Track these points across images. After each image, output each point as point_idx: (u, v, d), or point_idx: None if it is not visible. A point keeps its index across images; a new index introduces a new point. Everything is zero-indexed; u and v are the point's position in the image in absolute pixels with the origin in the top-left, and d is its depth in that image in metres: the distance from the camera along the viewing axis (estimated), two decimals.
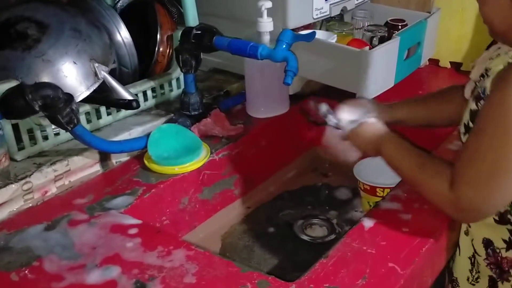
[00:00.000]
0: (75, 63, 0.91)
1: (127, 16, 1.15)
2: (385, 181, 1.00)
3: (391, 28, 1.19)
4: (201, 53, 1.01)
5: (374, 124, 0.81)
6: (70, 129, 0.83)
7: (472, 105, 0.70)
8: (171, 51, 1.11)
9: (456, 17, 1.28)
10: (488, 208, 0.68)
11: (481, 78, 0.71)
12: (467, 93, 0.76)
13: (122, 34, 1.05)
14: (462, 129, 0.73)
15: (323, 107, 0.86)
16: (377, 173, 1.05)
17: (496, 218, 0.73)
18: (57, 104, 0.80)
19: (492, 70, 0.69)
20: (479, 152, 0.64)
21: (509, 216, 0.71)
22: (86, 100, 0.94)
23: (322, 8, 1.14)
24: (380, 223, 0.78)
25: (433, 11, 1.24)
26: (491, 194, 0.65)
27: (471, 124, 0.70)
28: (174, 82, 1.11)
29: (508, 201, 0.70)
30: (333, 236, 0.99)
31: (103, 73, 0.94)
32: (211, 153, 0.98)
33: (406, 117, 0.90)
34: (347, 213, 1.05)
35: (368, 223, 0.78)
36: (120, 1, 1.24)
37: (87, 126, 0.97)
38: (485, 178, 0.64)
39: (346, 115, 0.84)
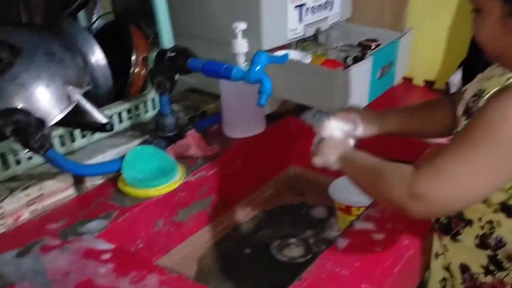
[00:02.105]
0: (48, 86, 0.90)
1: (102, 37, 1.15)
2: (360, 200, 1.01)
3: (365, 48, 1.21)
4: (176, 75, 1.01)
5: (335, 141, 0.81)
6: (42, 153, 0.82)
7: (464, 121, 0.71)
8: (146, 72, 1.11)
9: (428, 37, 1.31)
10: (443, 200, 0.64)
11: (475, 97, 0.72)
12: (459, 111, 0.77)
13: (97, 56, 1.05)
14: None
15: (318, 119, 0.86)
16: (352, 192, 1.06)
17: (477, 241, 0.73)
18: (29, 129, 0.79)
19: (487, 90, 0.69)
20: (457, 150, 0.64)
21: (489, 240, 0.72)
22: (59, 123, 0.93)
23: (296, 29, 1.16)
24: (354, 243, 0.79)
25: (406, 31, 1.27)
26: (452, 187, 0.63)
27: None
28: (149, 103, 1.11)
29: (463, 204, 0.68)
30: (309, 256, 0.99)
31: (77, 96, 0.93)
32: (187, 174, 0.98)
33: (397, 127, 0.90)
34: (324, 232, 1.06)
35: (342, 243, 0.79)
36: (96, 23, 1.25)
37: (61, 149, 0.97)
38: (454, 169, 0.63)
39: (337, 129, 0.84)
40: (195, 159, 1.03)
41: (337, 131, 0.83)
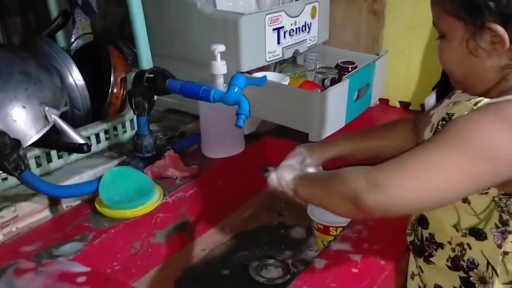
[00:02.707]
0: (24, 107, 0.90)
1: (81, 58, 1.15)
2: (338, 220, 1.01)
3: (342, 70, 1.23)
4: (155, 96, 1.02)
5: (282, 176, 0.80)
6: (17, 175, 0.82)
7: (426, 134, 0.72)
8: (124, 92, 1.11)
9: (403, 59, 1.34)
10: (399, 194, 0.61)
11: (444, 121, 0.72)
12: (427, 134, 0.78)
13: (74, 77, 1.05)
14: None
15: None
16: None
17: (448, 264, 0.74)
18: (4, 150, 0.78)
19: (456, 115, 0.70)
20: (424, 148, 0.63)
21: (461, 262, 0.72)
22: (36, 144, 0.92)
23: (275, 51, 1.17)
24: (331, 264, 0.79)
25: (381, 54, 1.30)
26: (410, 180, 0.61)
27: None
28: (127, 124, 1.11)
29: (421, 205, 0.65)
30: (288, 277, 0.99)
31: (54, 117, 0.92)
32: (164, 195, 0.97)
33: (348, 150, 0.89)
34: (302, 252, 1.06)
35: (319, 264, 0.79)
36: (74, 44, 1.25)
37: (37, 170, 0.95)
38: (416, 165, 0.62)
39: (287, 172, 0.81)
40: (173, 180, 1.02)
41: (287, 174, 0.80)
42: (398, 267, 0.81)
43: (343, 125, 1.17)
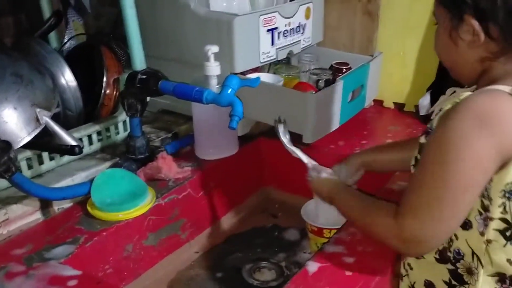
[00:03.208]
0: (15, 108, 0.89)
1: (74, 59, 1.14)
2: (332, 222, 1.01)
3: (336, 71, 1.23)
4: (147, 97, 1.01)
5: (326, 180, 0.87)
6: (7, 177, 0.81)
7: (421, 139, 0.72)
8: (117, 94, 1.10)
9: (398, 60, 1.34)
10: (432, 238, 0.68)
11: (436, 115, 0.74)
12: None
13: (67, 78, 1.04)
14: (412, 162, 0.75)
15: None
16: (324, 214, 1.06)
17: (437, 256, 0.74)
18: None
19: (443, 109, 0.71)
20: (422, 182, 0.66)
21: (448, 253, 0.72)
22: (27, 146, 0.91)
23: (269, 52, 1.17)
24: (324, 267, 0.78)
25: (376, 55, 1.29)
26: (433, 223, 0.66)
27: (419, 157, 0.72)
28: (120, 125, 1.10)
29: (451, 232, 0.70)
30: (281, 280, 0.98)
31: (45, 118, 0.91)
32: (157, 197, 0.97)
33: (376, 165, 0.95)
34: (296, 255, 1.05)
35: (312, 267, 0.78)
36: (67, 44, 1.24)
37: (28, 172, 0.95)
38: (426, 207, 0.66)
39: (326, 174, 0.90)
40: (166, 181, 1.02)
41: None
42: (392, 269, 0.81)
43: (338, 126, 1.17)
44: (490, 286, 0.70)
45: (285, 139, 0.93)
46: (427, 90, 1.28)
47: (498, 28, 0.65)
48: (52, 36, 1.23)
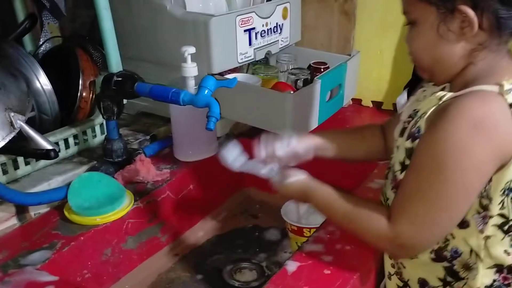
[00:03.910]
0: None
1: (49, 62, 1.13)
2: (311, 221, 1.01)
3: (314, 70, 1.23)
4: (124, 99, 1.00)
5: (298, 178, 0.81)
6: None
7: (407, 144, 0.72)
8: (94, 96, 1.09)
9: (375, 59, 1.35)
10: (427, 243, 0.70)
11: (410, 118, 0.74)
12: (397, 133, 0.78)
13: (41, 81, 1.02)
14: (398, 167, 0.75)
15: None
16: (304, 213, 1.07)
17: (433, 256, 0.74)
18: None
19: (421, 110, 0.71)
20: (418, 190, 0.67)
21: (445, 253, 0.73)
22: (1, 151, 0.89)
23: (246, 53, 1.17)
24: (303, 266, 0.78)
25: (353, 54, 1.30)
26: (430, 230, 0.67)
27: (407, 161, 0.72)
28: (97, 128, 1.09)
29: (444, 235, 0.72)
30: (262, 280, 0.98)
31: (20, 123, 0.90)
32: (135, 200, 0.96)
33: (323, 146, 0.90)
34: (277, 255, 1.05)
35: (291, 267, 0.79)
36: (42, 47, 1.22)
37: (3, 178, 0.93)
38: (424, 214, 0.66)
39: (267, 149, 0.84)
40: (144, 184, 1.01)
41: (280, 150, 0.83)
42: (371, 267, 0.82)
43: (316, 125, 1.17)
44: (489, 278, 0.71)
45: (237, 162, 0.84)
46: (404, 88, 1.29)
47: (491, 16, 0.64)
48: (27, 39, 1.21)
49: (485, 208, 0.68)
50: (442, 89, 0.73)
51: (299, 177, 0.80)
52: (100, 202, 0.92)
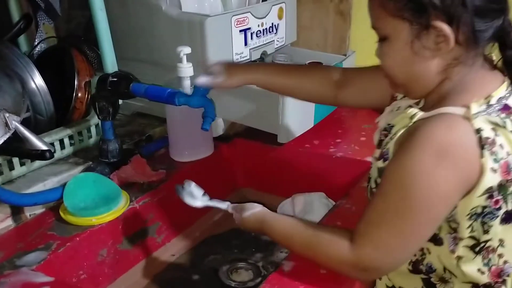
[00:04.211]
0: None
1: (44, 62, 1.13)
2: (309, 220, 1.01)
3: None
4: (119, 100, 1.00)
5: (253, 211, 0.80)
6: None
7: (379, 163, 0.71)
8: (89, 97, 1.09)
9: (370, 59, 1.34)
10: (391, 266, 0.71)
11: (385, 131, 0.73)
12: (376, 139, 0.78)
13: (37, 82, 1.02)
14: (373, 185, 0.74)
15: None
16: (299, 213, 1.07)
17: (410, 268, 0.74)
18: None
19: (394, 128, 0.70)
20: (384, 215, 0.66)
21: (421, 266, 0.73)
22: None
23: (242, 53, 1.17)
24: (299, 266, 0.79)
25: (349, 54, 1.31)
26: (394, 255, 0.67)
27: (379, 181, 0.72)
28: (93, 129, 1.09)
29: (408, 259, 0.72)
30: (259, 280, 0.98)
31: (15, 123, 0.89)
32: (131, 201, 0.96)
33: (263, 80, 0.89)
34: (273, 254, 1.05)
35: (287, 266, 0.79)
36: (38, 48, 1.22)
37: None
38: (388, 239, 0.66)
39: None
40: (140, 185, 1.01)
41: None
42: None
43: (312, 125, 1.17)
44: None
45: (197, 201, 0.86)
46: None
47: (467, 30, 0.62)
48: (22, 39, 1.21)
49: (454, 230, 0.68)
50: (417, 103, 0.71)
51: (253, 211, 0.81)
52: (95, 202, 0.92)
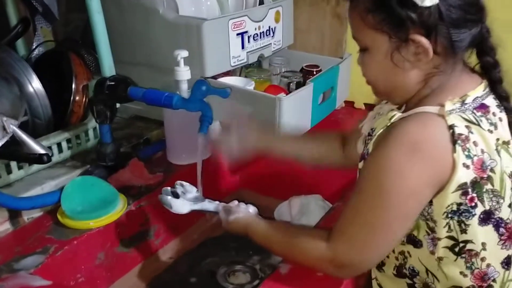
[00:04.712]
0: None
1: (42, 66, 1.13)
2: (304, 223, 1.02)
3: (306, 73, 1.24)
4: (117, 103, 1.00)
5: (237, 215, 0.83)
6: None
7: (360, 165, 0.73)
8: (87, 100, 1.09)
9: None
10: (365, 263, 0.71)
11: (369, 136, 0.74)
12: (359, 146, 0.79)
13: (34, 85, 1.02)
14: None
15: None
16: (296, 215, 1.07)
17: (394, 272, 0.75)
18: None
19: (376, 131, 0.71)
20: (357, 212, 0.68)
21: (404, 270, 0.74)
22: None
23: (239, 56, 1.17)
24: (296, 268, 0.79)
25: (345, 57, 1.31)
26: (367, 251, 0.68)
27: None
28: (91, 132, 1.09)
29: (383, 256, 0.74)
30: (256, 283, 0.99)
31: (12, 127, 0.90)
32: (129, 204, 0.96)
33: (276, 151, 0.94)
34: (270, 257, 1.05)
35: (284, 269, 0.79)
36: (35, 51, 1.23)
37: None
38: (361, 236, 0.67)
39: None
40: (138, 188, 1.01)
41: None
42: None
43: (309, 128, 1.18)
44: None
45: (184, 207, 0.86)
46: None
47: (445, 41, 0.64)
48: (20, 43, 1.21)
49: (432, 230, 0.68)
50: (399, 107, 0.73)
51: (237, 215, 0.83)
52: (93, 206, 0.92)
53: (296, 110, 1.10)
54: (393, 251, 0.74)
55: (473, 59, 0.71)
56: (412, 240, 0.70)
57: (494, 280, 0.70)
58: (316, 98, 1.16)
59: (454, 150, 0.62)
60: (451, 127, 0.63)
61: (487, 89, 0.69)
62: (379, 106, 0.79)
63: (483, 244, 0.68)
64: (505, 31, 0.69)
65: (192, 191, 0.88)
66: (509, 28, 0.77)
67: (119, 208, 0.93)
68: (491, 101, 0.69)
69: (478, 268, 0.69)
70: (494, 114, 0.68)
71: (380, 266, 0.78)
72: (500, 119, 0.69)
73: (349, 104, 1.42)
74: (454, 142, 0.63)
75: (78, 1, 1.06)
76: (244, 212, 0.84)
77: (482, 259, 0.69)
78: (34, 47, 1.23)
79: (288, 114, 1.09)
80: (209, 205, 0.87)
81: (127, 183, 1.00)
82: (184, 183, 0.89)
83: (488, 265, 0.69)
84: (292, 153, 0.94)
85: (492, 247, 0.68)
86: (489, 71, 0.70)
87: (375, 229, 0.66)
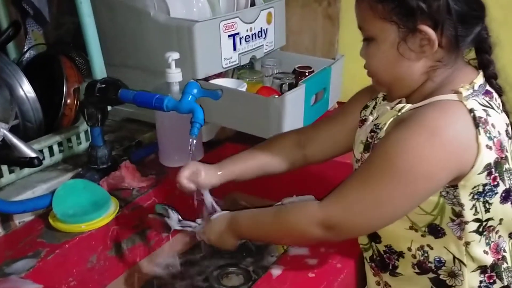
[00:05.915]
0: None
1: (33, 69, 1.12)
2: None
3: (299, 75, 1.24)
4: (108, 106, 1.00)
5: (221, 212, 0.84)
6: None
7: (356, 166, 0.74)
8: (78, 103, 1.09)
9: (360, 62, 1.35)
10: (353, 230, 0.71)
11: (372, 133, 0.74)
12: (359, 147, 0.79)
13: (25, 89, 1.02)
14: (357, 157, 0.78)
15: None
16: None
17: (416, 270, 0.74)
18: None
19: (381, 123, 0.73)
20: (364, 181, 0.68)
21: (429, 264, 0.73)
22: None
23: (231, 58, 1.17)
24: (288, 270, 0.79)
25: (338, 58, 1.31)
26: (361, 219, 0.69)
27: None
28: (82, 135, 1.09)
29: (374, 229, 0.74)
30: (249, 285, 0.99)
31: (3, 131, 0.89)
32: (121, 207, 0.96)
33: (236, 174, 0.92)
34: (263, 259, 1.06)
35: (276, 271, 0.79)
36: (26, 54, 1.22)
37: None
38: (362, 203, 0.67)
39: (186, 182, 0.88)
40: (130, 190, 1.01)
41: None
42: (355, 269, 0.82)
43: None
44: (476, 280, 0.72)
45: (176, 225, 0.89)
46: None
47: (450, 35, 0.66)
48: (11, 46, 1.21)
49: (458, 215, 0.69)
50: (398, 103, 0.73)
51: (221, 212, 0.84)
52: (85, 209, 0.92)
53: (288, 112, 1.10)
54: (409, 248, 0.74)
55: (469, 56, 0.74)
56: (434, 230, 0.70)
57: (504, 250, 0.73)
58: (309, 99, 1.16)
59: (478, 133, 0.64)
60: (471, 110, 0.65)
61: (484, 79, 0.72)
62: (376, 109, 0.79)
63: (501, 220, 0.70)
64: (501, 30, 0.72)
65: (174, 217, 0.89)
66: (505, 27, 0.79)
67: (111, 211, 0.93)
68: (491, 89, 0.72)
69: (493, 242, 0.71)
70: (496, 99, 0.71)
71: (394, 270, 0.77)
72: (499, 106, 0.72)
73: (342, 105, 1.41)
74: (476, 126, 0.65)
75: (69, 4, 1.06)
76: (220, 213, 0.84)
77: (496, 232, 0.71)
78: (25, 50, 1.23)
79: (280, 116, 1.08)
80: (192, 225, 0.89)
81: (119, 186, 1.00)
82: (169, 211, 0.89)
83: (500, 236, 0.72)
84: (260, 168, 0.92)
85: (507, 221, 0.71)
86: (485, 68, 0.72)
87: (376, 200, 0.67)
